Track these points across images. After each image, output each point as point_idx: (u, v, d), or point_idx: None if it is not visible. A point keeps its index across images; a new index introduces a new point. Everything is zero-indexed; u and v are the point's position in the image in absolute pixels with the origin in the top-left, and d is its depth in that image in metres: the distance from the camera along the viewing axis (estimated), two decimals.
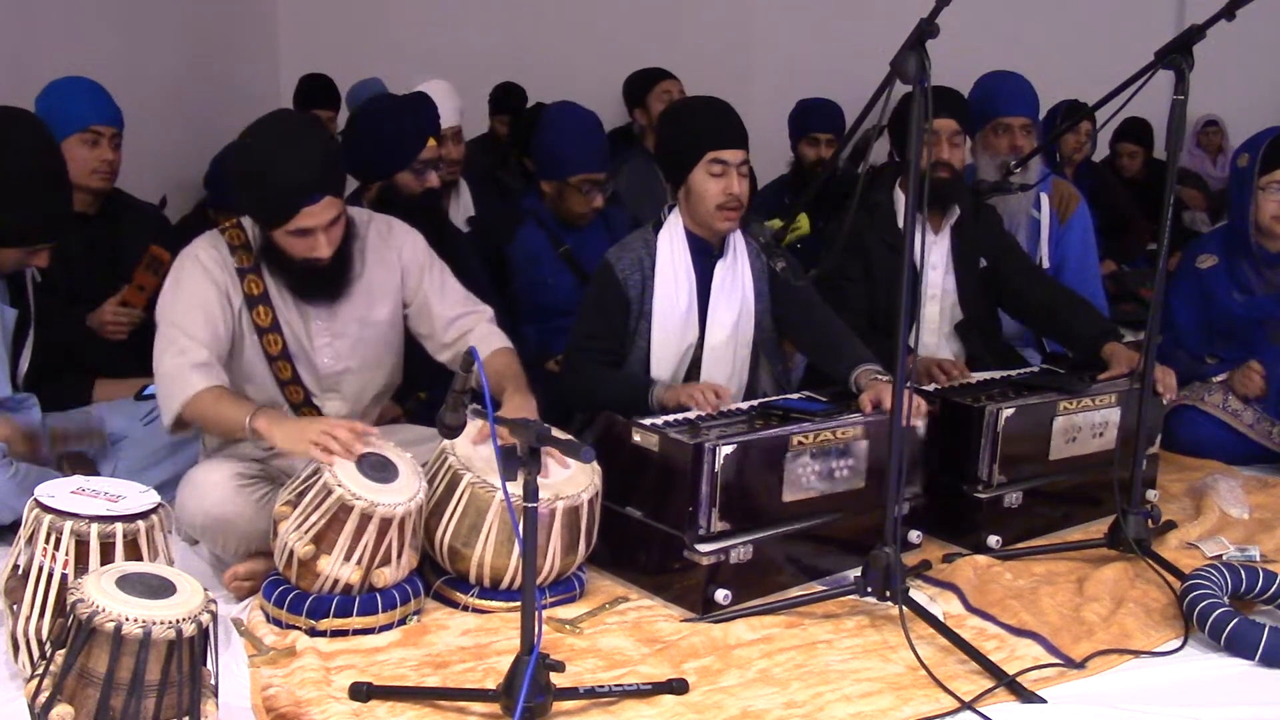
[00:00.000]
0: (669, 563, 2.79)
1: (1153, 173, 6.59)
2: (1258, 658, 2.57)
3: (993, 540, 3.14)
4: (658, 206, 3.38)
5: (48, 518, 2.24)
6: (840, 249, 3.52)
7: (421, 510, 2.66)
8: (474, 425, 2.68)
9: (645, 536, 2.85)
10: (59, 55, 4.42)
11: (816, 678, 2.47)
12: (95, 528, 2.23)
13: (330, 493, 2.53)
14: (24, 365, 3.18)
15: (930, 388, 3.36)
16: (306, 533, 2.55)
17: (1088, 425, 3.32)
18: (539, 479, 2.17)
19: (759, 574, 2.83)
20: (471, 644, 2.58)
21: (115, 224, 3.77)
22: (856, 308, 3.60)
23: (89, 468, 3.25)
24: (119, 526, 2.25)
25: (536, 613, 2.18)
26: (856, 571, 2.72)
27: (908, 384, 2.59)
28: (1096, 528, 3.28)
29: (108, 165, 3.64)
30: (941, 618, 2.69)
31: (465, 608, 2.73)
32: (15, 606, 2.27)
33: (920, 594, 2.81)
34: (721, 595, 2.73)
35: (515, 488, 2.21)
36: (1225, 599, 2.70)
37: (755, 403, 3.14)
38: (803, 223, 4.33)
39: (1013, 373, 3.58)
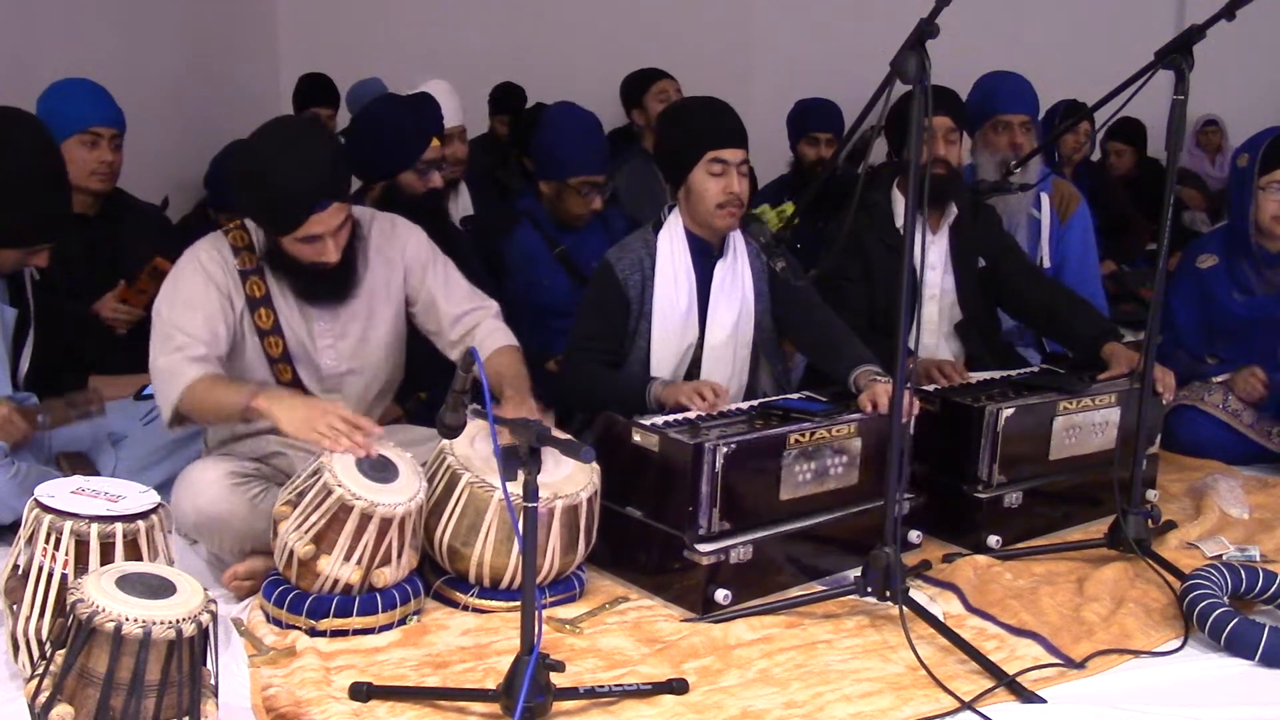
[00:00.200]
0: (669, 563, 2.79)
1: (1145, 171, 6.60)
2: (1258, 658, 2.57)
3: (993, 540, 3.14)
4: (657, 207, 3.38)
5: (48, 518, 2.24)
6: (839, 250, 3.52)
7: (421, 510, 2.66)
8: (475, 424, 2.68)
9: (645, 536, 2.85)
10: (59, 55, 4.42)
11: (816, 678, 2.47)
12: (95, 528, 2.23)
13: (330, 493, 2.53)
14: (24, 365, 3.18)
15: (930, 388, 3.36)
16: (306, 533, 2.55)
17: (1088, 425, 3.33)
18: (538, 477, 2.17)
19: (759, 574, 2.83)
20: (471, 644, 2.58)
21: (116, 224, 3.77)
22: (856, 308, 3.61)
23: (89, 468, 3.25)
24: (119, 526, 2.25)
25: (536, 613, 2.18)
26: (856, 571, 2.73)
27: (908, 385, 2.59)
28: (1096, 528, 3.28)
29: (107, 167, 3.64)
30: (941, 618, 2.69)
31: (465, 608, 2.73)
32: (15, 606, 2.27)
33: (920, 594, 2.81)
34: (721, 595, 2.73)
35: (515, 487, 2.21)
36: (1225, 599, 2.70)
37: (755, 403, 3.14)
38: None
39: (1012, 373, 3.58)
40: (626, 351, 3.28)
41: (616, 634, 2.65)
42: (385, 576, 2.59)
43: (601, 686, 2.35)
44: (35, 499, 2.29)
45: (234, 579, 2.78)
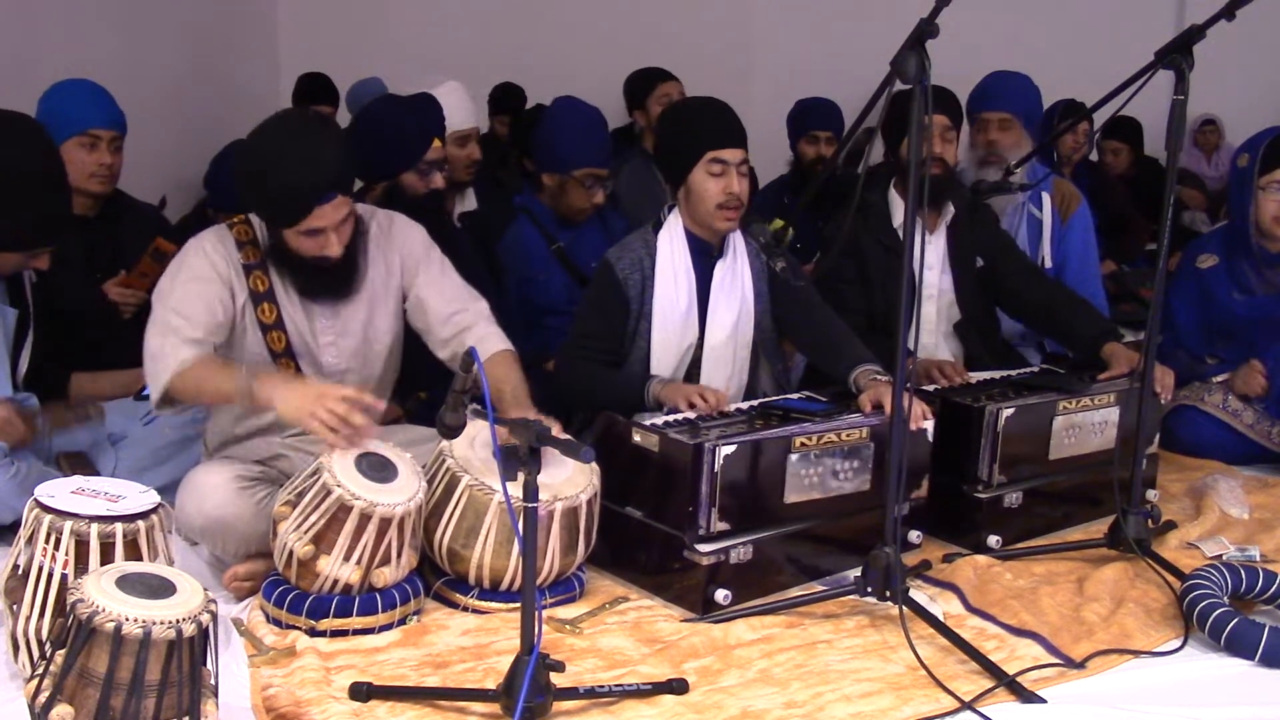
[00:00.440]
0: (669, 563, 2.79)
1: (1142, 171, 6.60)
2: (1258, 658, 2.57)
3: (993, 540, 3.14)
4: (657, 208, 3.38)
5: (48, 518, 2.24)
6: (838, 251, 3.52)
7: (421, 510, 2.66)
8: (475, 425, 2.68)
9: (645, 536, 2.85)
10: (59, 55, 4.42)
11: (816, 678, 2.47)
12: (95, 528, 2.23)
13: (329, 493, 2.53)
14: (23, 365, 3.18)
15: (930, 388, 3.36)
16: (306, 533, 2.55)
17: (1087, 425, 3.33)
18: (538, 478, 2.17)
19: (759, 574, 2.83)
20: (471, 644, 2.58)
21: (116, 225, 3.77)
22: (854, 309, 3.60)
23: (89, 468, 3.25)
24: (119, 526, 2.25)
25: (536, 613, 2.18)
26: (856, 571, 2.72)
27: (908, 385, 2.59)
28: (1096, 528, 3.28)
29: (106, 169, 3.63)
30: (941, 618, 2.69)
31: (465, 609, 2.72)
32: (15, 606, 2.27)
33: (920, 594, 2.81)
34: (721, 595, 2.73)
35: (514, 488, 2.21)
36: (1225, 599, 2.70)
37: (755, 403, 3.14)
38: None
39: (1012, 373, 3.58)
40: (626, 352, 3.28)
41: (616, 634, 2.65)
42: (385, 576, 2.59)
43: (601, 686, 2.35)
44: (35, 499, 2.29)
45: (234, 579, 2.78)
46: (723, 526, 2.76)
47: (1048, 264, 4.20)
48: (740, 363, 3.32)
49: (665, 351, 3.25)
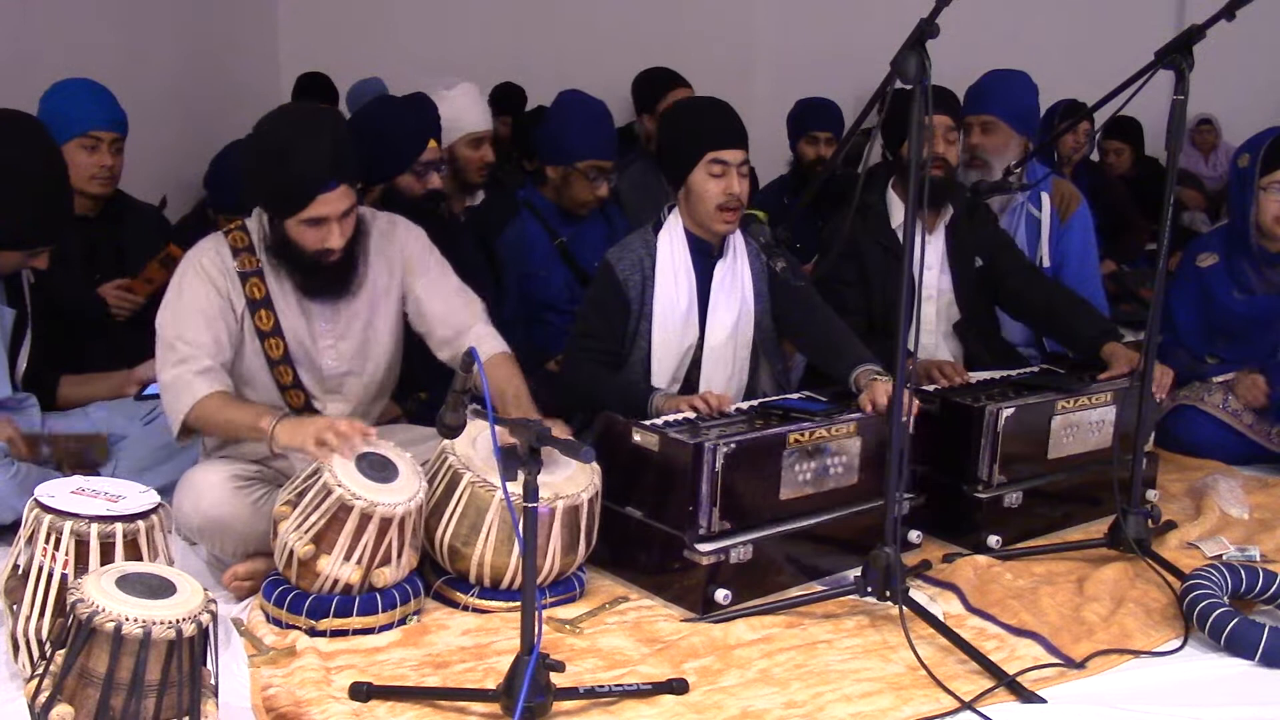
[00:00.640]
0: (669, 563, 2.79)
1: (1143, 170, 6.61)
2: (1258, 658, 2.57)
3: (993, 540, 3.14)
4: (660, 210, 3.37)
5: (48, 518, 2.24)
6: (838, 252, 3.52)
7: (421, 510, 2.66)
8: (475, 424, 2.68)
9: (645, 536, 2.85)
10: (59, 54, 4.42)
11: (816, 678, 2.47)
12: (95, 528, 2.23)
13: (330, 493, 2.53)
14: (22, 365, 3.18)
15: (930, 388, 3.36)
16: (306, 533, 2.55)
17: (1085, 424, 3.33)
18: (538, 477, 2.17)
19: (759, 574, 2.83)
20: (471, 644, 2.58)
21: (117, 225, 3.76)
22: (854, 311, 3.59)
23: (89, 468, 3.25)
24: (119, 526, 2.25)
25: (536, 613, 2.18)
26: (856, 571, 2.73)
27: (908, 385, 2.59)
28: (1096, 528, 3.28)
29: (106, 171, 3.61)
30: (941, 618, 2.69)
31: (465, 608, 2.73)
32: (15, 606, 2.27)
33: (920, 594, 2.81)
34: (721, 595, 2.73)
35: (515, 487, 2.21)
36: (1225, 599, 2.70)
37: (755, 403, 3.14)
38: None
39: (1012, 373, 3.58)
40: (627, 352, 3.28)
41: (616, 634, 2.65)
42: (385, 576, 2.59)
43: (601, 686, 2.35)
44: (35, 499, 2.29)
45: (234, 579, 2.78)
46: (723, 526, 2.76)
47: (1046, 264, 4.19)
48: (740, 363, 3.32)
49: (665, 352, 3.25)
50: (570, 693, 2.31)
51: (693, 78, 5.92)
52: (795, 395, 3.29)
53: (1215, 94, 6.83)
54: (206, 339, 2.76)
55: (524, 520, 2.14)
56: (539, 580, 2.68)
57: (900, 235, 3.35)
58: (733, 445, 2.74)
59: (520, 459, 2.15)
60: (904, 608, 2.58)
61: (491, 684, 2.34)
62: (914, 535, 3.07)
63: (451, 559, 2.74)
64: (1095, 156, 6.65)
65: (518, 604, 2.25)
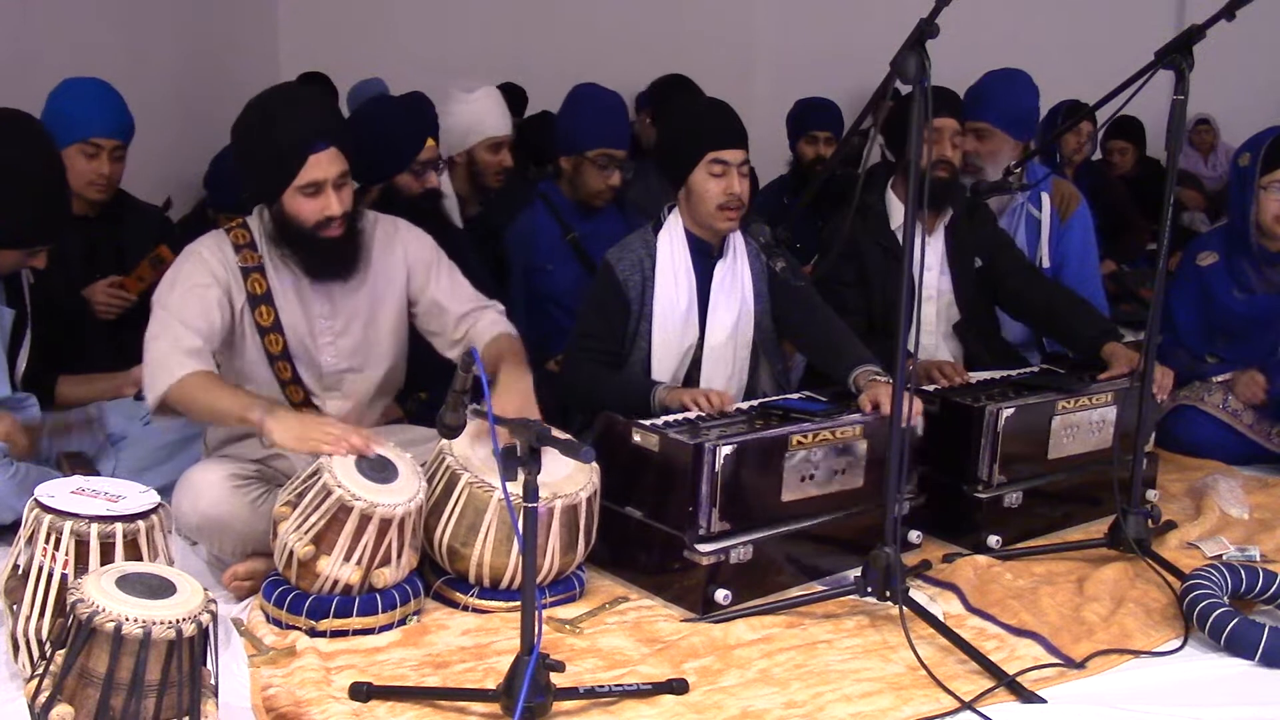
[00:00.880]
0: (669, 563, 2.79)
1: (1146, 170, 6.61)
2: (1258, 658, 2.57)
3: (993, 540, 3.14)
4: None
5: (48, 518, 2.24)
6: (838, 253, 3.52)
7: (421, 510, 2.66)
8: (474, 424, 2.68)
9: (645, 536, 2.85)
10: (59, 54, 4.41)
11: (816, 678, 2.47)
12: (95, 528, 2.23)
13: (330, 493, 2.53)
14: (22, 365, 3.18)
15: (930, 388, 3.36)
16: (306, 533, 2.55)
17: (1085, 424, 3.32)
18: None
19: (759, 574, 2.83)
20: (471, 644, 2.58)
21: (118, 226, 3.74)
22: (853, 312, 3.58)
23: (89, 468, 3.25)
24: (119, 526, 2.25)
25: (536, 613, 2.18)
26: (856, 571, 2.72)
27: (908, 386, 2.59)
28: (1096, 528, 3.28)
29: (104, 179, 3.57)
30: (941, 618, 2.69)
31: (465, 608, 2.73)
32: (15, 606, 2.27)
33: (920, 594, 2.81)
34: (721, 595, 2.73)
35: (514, 487, 2.21)
36: (1225, 599, 2.70)
37: (755, 403, 3.14)
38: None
39: (1012, 373, 3.58)
40: (627, 352, 3.28)
41: (616, 634, 2.65)
42: (385, 577, 2.59)
43: (601, 686, 2.35)
44: (35, 499, 2.29)
45: (234, 579, 2.78)
46: (723, 526, 2.76)
47: (1046, 264, 4.19)
48: (740, 363, 3.32)
49: (665, 352, 3.25)
50: (570, 693, 2.31)
51: (693, 77, 5.92)
52: (795, 395, 3.29)
53: (1215, 94, 6.82)
54: (200, 321, 2.75)
55: (523, 520, 2.14)
56: (538, 580, 2.68)
57: (900, 236, 3.35)
58: (733, 445, 2.74)
59: (520, 459, 2.15)
60: (904, 608, 2.58)
61: (491, 684, 2.34)
62: (914, 535, 3.07)
63: (451, 559, 2.74)
64: (1098, 156, 6.65)
65: (517, 604, 2.25)
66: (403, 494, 2.59)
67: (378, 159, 3.57)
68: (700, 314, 3.26)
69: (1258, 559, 3.13)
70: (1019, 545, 3.20)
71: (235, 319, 2.85)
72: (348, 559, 2.55)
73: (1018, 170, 4.06)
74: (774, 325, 3.39)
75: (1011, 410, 3.16)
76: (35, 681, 1.99)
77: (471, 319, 3.02)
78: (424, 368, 3.22)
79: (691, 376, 3.27)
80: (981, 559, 3.07)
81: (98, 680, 1.93)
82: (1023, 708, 2.39)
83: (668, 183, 3.32)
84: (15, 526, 2.42)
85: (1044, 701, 2.40)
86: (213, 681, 2.11)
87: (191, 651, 2.00)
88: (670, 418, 2.97)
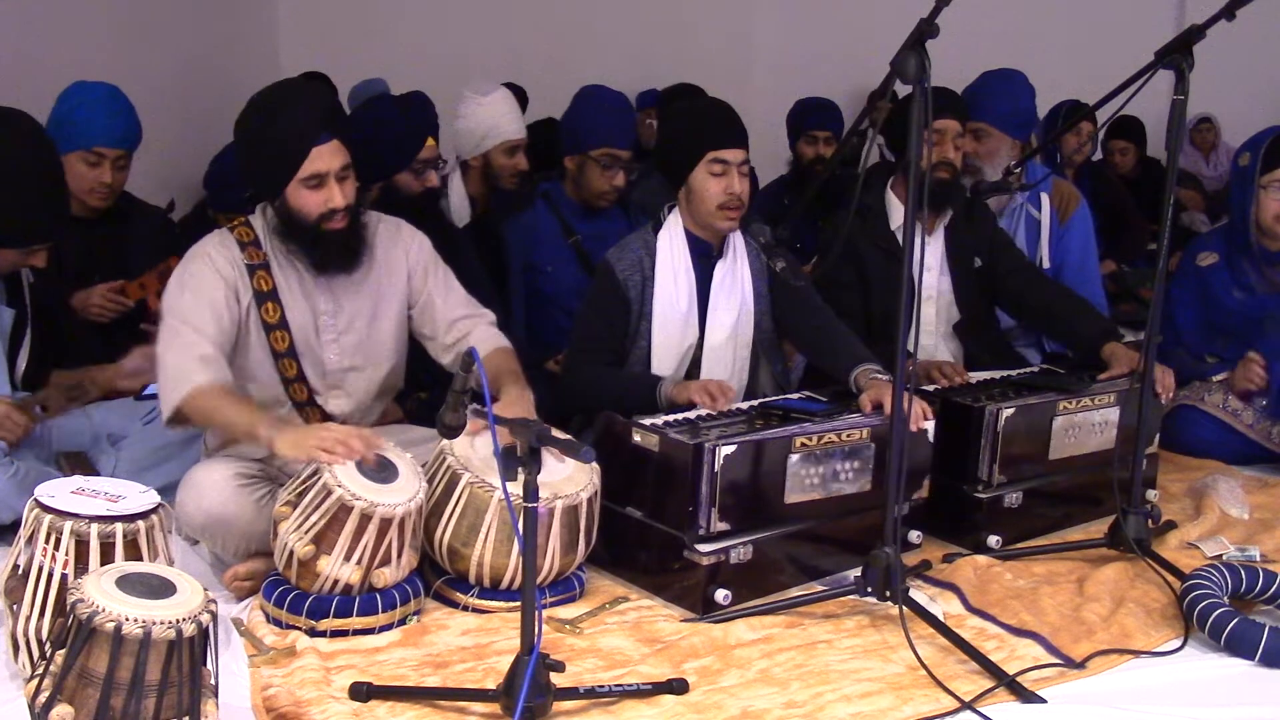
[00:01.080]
0: (669, 563, 2.79)
1: (1146, 170, 6.61)
2: (1258, 658, 2.57)
3: (993, 540, 3.14)
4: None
5: (48, 518, 2.24)
6: (837, 254, 3.52)
7: (421, 510, 2.66)
8: (474, 423, 2.68)
9: (645, 536, 2.85)
10: (59, 55, 4.41)
11: (816, 678, 2.47)
12: (95, 528, 2.23)
13: (330, 493, 2.53)
14: (22, 365, 3.18)
15: (930, 388, 3.36)
16: (306, 533, 2.55)
17: (1087, 425, 3.32)
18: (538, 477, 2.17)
19: (759, 574, 2.83)
20: (471, 644, 2.58)
21: (120, 227, 3.73)
22: (852, 313, 3.57)
23: (89, 468, 3.25)
24: (119, 526, 2.25)
25: (536, 613, 2.18)
26: (856, 571, 2.72)
27: (908, 386, 2.59)
28: (1096, 528, 3.28)
29: (105, 188, 3.56)
30: (941, 618, 2.69)
31: (465, 608, 2.73)
32: (15, 606, 2.27)
33: (920, 594, 2.81)
34: (721, 595, 2.73)
35: (514, 487, 2.21)
36: (1225, 599, 2.70)
37: (755, 403, 3.14)
38: None
39: (1012, 373, 3.58)
40: (627, 353, 3.28)
41: (616, 634, 2.65)
42: (385, 577, 2.59)
43: (601, 686, 2.35)
44: (35, 499, 2.29)
45: (234, 579, 2.78)
46: (723, 526, 2.76)
47: (1046, 264, 4.19)
48: (740, 363, 3.32)
49: (665, 352, 3.25)
50: (570, 693, 2.31)
51: (693, 78, 5.93)
52: (795, 395, 3.29)
53: (1217, 93, 6.83)
54: (210, 325, 2.77)
55: (523, 520, 2.14)
56: (539, 580, 2.68)
57: (899, 236, 3.36)
58: (733, 445, 2.74)
59: (520, 459, 2.15)
60: (904, 608, 2.58)
61: (491, 684, 2.34)
62: (914, 535, 3.07)
63: (451, 559, 2.74)
64: (1099, 156, 6.64)
65: (517, 604, 2.25)
66: (403, 494, 2.59)
67: (378, 157, 3.57)
68: (700, 314, 3.26)
69: (1258, 559, 3.13)
70: (1019, 545, 3.20)
71: (242, 316, 2.86)
72: (348, 559, 2.55)
73: (1017, 170, 4.06)
74: (774, 325, 3.39)
75: (1011, 410, 3.16)
76: (35, 681, 1.99)
77: (464, 326, 3.03)
78: (424, 368, 3.22)
79: (691, 376, 3.26)
80: (981, 559, 3.07)
81: (98, 680, 1.93)
82: (1023, 708, 2.39)
83: (668, 182, 3.31)
84: (15, 526, 2.42)
85: (1044, 701, 2.40)
86: (213, 681, 2.11)
87: (191, 651, 2.00)
88: (670, 417, 2.97)
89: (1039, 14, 7.13)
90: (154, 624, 1.95)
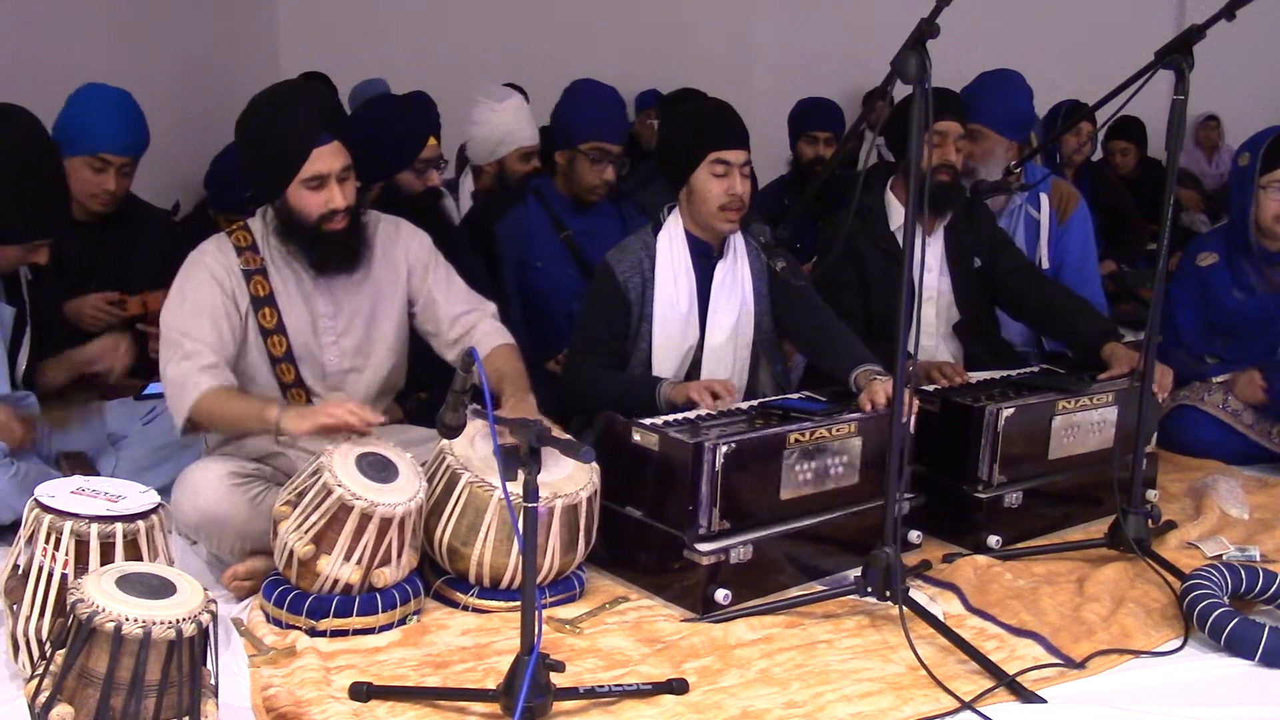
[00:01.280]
0: (669, 563, 2.79)
1: (1147, 170, 6.60)
2: (1258, 658, 2.57)
3: (993, 540, 3.14)
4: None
5: (48, 518, 2.24)
6: (837, 254, 3.51)
7: (421, 510, 2.66)
8: (474, 424, 2.68)
9: (645, 536, 2.85)
10: (60, 56, 4.41)
11: (816, 678, 2.47)
12: (95, 528, 2.23)
13: (330, 493, 2.53)
14: (22, 363, 3.18)
15: (930, 388, 3.36)
16: (306, 533, 2.55)
17: (1085, 424, 3.32)
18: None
19: (759, 574, 2.83)
20: (471, 644, 2.58)
21: (123, 230, 3.72)
22: (851, 314, 3.57)
23: (89, 468, 3.25)
24: (119, 526, 2.25)
25: (536, 612, 2.18)
26: (856, 571, 2.72)
27: (908, 385, 2.59)
28: (1096, 528, 3.28)
29: (108, 195, 3.54)
30: (941, 618, 2.69)
31: (465, 607, 2.73)
32: (15, 606, 2.27)
33: (920, 594, 2.81)
34: (721, 595, 2.73)
35: (514, 487, 2.21)
36: (1225, 599, 2.70)
37: (755, 402, 3.14)
38: None
39: (1012, 373, 3.58)
40: (628, 354, 3.28)
41: (616, 634, 2.65)
42: (385, 576, 2.59)
43: (601, 686, 2.35)
44: (35, 499, 2.29)
45: (234, 579, 2.78)
46: (723, 526, 2.76)
47: (1045, 265, 4.19)
48: (740, 363, 3.32)
49: (666, 353, 3.25)
50: (570, 693, 2.31)
51: (693, 78, 5.93)
52: (795, 395, 3.29)
53: (1217, 93, 6.84)
54: (211, 336, 2.77)
55: (523, 520, 2.14)
56: (539, 580, 2.68)
57: (899, 237, 3.35)
58: (733, 445, 2.74)
59: (520, 459, 2.15)
60: (904, 608, 2.58)
61: (491, 684, 2.34)
62: (914, 535, 3.07)
63: (451, 559, 2.74)
64: (1099, 156, 6.64)
65: (517, 604, 2.25)
66: (403, 493, 2.59)
67: (380, 157, 3.57)
68: (700, 315, 3.26)
69: (1258, 559, 3.13)
70: (1019, 545, 3.20)
71: (241, 323, 2.86)
72: (348, 558, 2.55)
73: (1017, 170, 4.06)
74: (774, 325, 3.39)
75: (1011, 410, 3.16)
76: (35, 681, 1.99)
77: (467, 321, 3.03)
78: (424, 368, 3.22)
79: (692, 377, 3.26)
80: (981, 559, 3.07)
81: (98, 680, 1.93)
82: (1023, 708, 2.39)
83: (668, 183, 3.31)
84: (15, 526, 2.42)
85: (1044, 701, 2.40)
86: (213, 681, 2.11)
87: (191, 651, 2.00)
88: (670, 417, 2.97)
89: (1039, 14, 7.14)
90: (154, 624, 1.94)
